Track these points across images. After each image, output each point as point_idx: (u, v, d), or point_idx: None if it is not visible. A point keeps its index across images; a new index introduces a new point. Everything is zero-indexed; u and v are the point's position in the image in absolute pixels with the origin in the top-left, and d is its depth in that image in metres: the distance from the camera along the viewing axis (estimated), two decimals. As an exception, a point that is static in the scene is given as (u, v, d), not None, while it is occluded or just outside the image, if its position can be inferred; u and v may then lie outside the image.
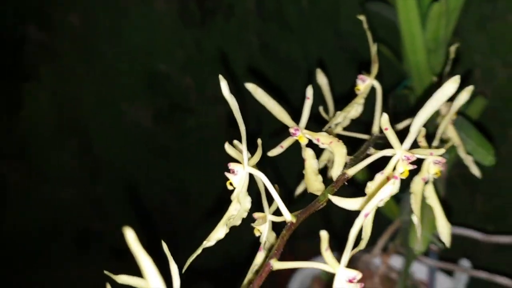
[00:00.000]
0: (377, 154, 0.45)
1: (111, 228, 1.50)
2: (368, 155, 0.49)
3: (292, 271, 1.04)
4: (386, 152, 0.45)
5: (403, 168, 0.44)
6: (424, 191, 0.50)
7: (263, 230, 0.46)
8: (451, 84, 0.42)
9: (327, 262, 0.37)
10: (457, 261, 0.97)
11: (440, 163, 0.49)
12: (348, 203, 0.44)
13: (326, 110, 0.62)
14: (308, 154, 0.50)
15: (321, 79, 0.61)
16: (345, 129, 0.60)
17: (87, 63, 1.37)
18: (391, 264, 0.96)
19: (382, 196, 0.35)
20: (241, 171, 0.41)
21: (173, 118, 1.37)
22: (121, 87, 1.37)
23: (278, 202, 0.41)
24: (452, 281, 0.97)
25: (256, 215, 0.47)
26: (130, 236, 0.25)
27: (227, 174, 0.41)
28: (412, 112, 0.73)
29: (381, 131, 0.56)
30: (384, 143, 0.67)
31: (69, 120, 1.42)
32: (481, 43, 1.02)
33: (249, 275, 0.45)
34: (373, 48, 0.56)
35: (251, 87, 0.52)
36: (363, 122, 0.66)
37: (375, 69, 0.56)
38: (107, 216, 1.50)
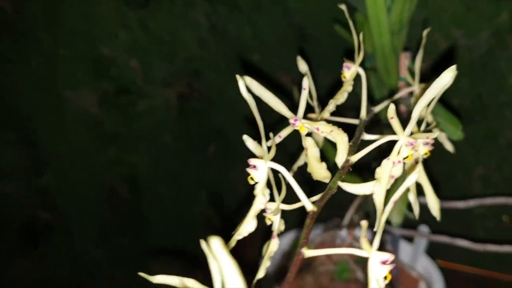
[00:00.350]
0: (382, 139, 0.48)
1: (59, 221, 1.47)
2: (366, 141, 0.52)
3: (258, 250, 1.07)
4: (390, 137, 0.48)
5: (407, 153, 0.47)
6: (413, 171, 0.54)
7: (275, 219, 0.49)
8: (448, 73, 0.45)
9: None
10: (417, 228, 1.04)
11: (429, 144, 0.53)
12: (359, 188, 0.47)
13: (311, 96, 0.65)
14: (309, 143, 0.52)
15: (302, 66, 0.63)
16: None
17: (24, 51, 1.32)
18: (356, 236, 1.01)
19: (408, 183, 0.39)
20: (263, 165, 0.43)
21: (121, 103, 1.35)
22: (63, 74, 1.33)
23: (300, 194, 0.44)
24: (413, 246, 1.04)
25: (268, 204, 0.49)
26: (216, 244, 0.27)
27: (248, 170, 0.43)
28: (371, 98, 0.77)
29: (369, 116, 0.59)
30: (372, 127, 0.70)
31: (9, 112, 1.36)
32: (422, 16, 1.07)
33: (265, 261, 0.47)
34: (359, 37, 0.59)
35: (246, 80, 0.53)
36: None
37: (360, 56, 0.59)
38: (56, 208, 1.46)
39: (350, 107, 0.67)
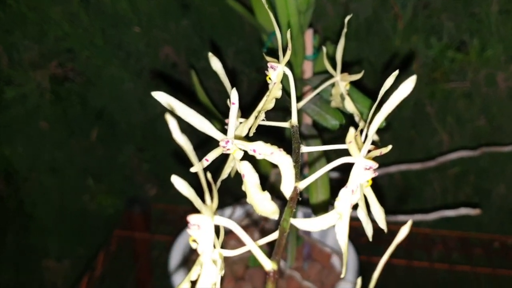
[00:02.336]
0: (332, 164, 0.40)
1: None
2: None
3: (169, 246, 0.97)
4: (345, 160, 0.40)
5: (367, 177, 0.40)
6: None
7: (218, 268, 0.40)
8: (409, 84, 0.38)
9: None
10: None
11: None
12: (317, 224, 0.39)
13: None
14: (246, 169, 0.43)
15: (215, 64, 0.53)
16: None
17: None
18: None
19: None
20: (208, 223, 0.33)
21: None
22: None
23: (256, 252, 0.35)
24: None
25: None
26: None
27: (190, 231, 0.33)
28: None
29: (300, 121, 0.51)
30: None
31: None
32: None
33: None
34: (288, 34, 0.49)
35: (160, 96, 0.43)
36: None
37: (287, 55, 0.50)
38: None
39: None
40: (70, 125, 1.21)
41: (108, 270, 1.12)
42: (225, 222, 0.34)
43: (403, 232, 0.31)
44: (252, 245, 0.35)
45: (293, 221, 0.38)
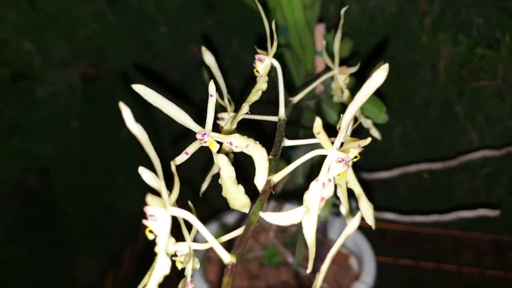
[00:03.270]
0: (307, 156, 0.38)
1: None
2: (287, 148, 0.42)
3: None
4: (318, 152, 0.38)
5: (339, 170, 0.38)
6: (345, 176, 0.45)
7: (187, 262, 0.39)
8: (381, 73, 0.36)
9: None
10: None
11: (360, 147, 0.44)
12: (286, 218, 0.37)
13: (220, 93, 0.54)
14: (222, 162, 0.42)
15: (208, 58, 0.52)
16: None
17: None
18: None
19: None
20: (163, 214, 0.32)
21: (18, 90, 1.18)
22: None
23: (214, 245, 0.33)
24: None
25: (178, 246, 0.39)
26: None
27: (145, 222, 0.32)
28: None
29: (288, 110, 0.49)
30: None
31: None
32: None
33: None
34: (272, 24, 0.48)
35: (139, 88, 0.42)
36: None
37: (274, 46, 0.49)
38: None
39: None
40: (100, 123, 1.23)
41: (134, 268, 1.13)
42: (182, 213, 0.33)
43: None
44: (210, 238, 0.33)
45: (262, 214, 0.37)
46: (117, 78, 1.18)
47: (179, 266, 0.39)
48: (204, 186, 0.53)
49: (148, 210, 0.32)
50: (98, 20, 1.10)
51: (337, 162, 0.37)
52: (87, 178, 1.28)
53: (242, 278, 0.87)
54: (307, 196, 0.37)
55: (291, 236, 0.92)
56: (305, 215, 0.36)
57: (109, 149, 1.26)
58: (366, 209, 0.46)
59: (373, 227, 0.46)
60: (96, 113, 1.22)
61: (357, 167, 1.10)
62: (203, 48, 0.52)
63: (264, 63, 0.49)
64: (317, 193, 0.37)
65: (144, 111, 0.86)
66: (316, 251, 0.90)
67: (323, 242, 0.90)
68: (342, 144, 0.40)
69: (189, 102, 1.12)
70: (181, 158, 0.44)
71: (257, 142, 0.41)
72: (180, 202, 0.38)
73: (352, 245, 0.94)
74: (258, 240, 0.93)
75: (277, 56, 0.76)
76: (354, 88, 0.63)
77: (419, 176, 1.17)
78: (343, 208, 0.43)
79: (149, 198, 0.30)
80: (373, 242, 1.03)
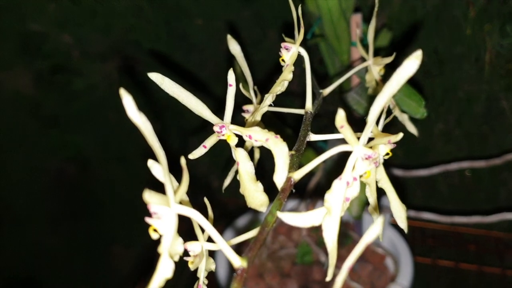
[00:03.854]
0: (330, 151, 0.35)
1: (6, 211, 1.32)
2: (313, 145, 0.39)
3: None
4: (342, 148, 0.35)
5: (365, 169, 0.34)
6: (375, 174, 0.41)
7: (201, 264, 0.35)
8: (413, 61, 0.32)
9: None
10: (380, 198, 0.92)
11: (391, 143, 0.40)
12: (305, 219, 0.34)
13: (245, 84, 0.51)
14: (240, 156, 0.39)
15: (234, 47, 0.49)
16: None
17: None
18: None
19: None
20: (168, 212, 0.29)
21: (57, 82, 1.18)
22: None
23: (223, 246, 0.30)
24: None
25: (190, 245, 0.36)
26: None
27: (148, 220, 0.29)
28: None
29: (317, 103, 0.45)
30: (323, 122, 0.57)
31: None
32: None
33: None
34: (298, 10, 0.44)
35: (155, 77, 0.39)
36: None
37: (301, 34, 0.45)
38: (1, 198, 1.31)
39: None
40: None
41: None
42: (188, 212, 0.30)
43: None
44: (218, 239, 0.30)
45: (279, 214, 0.33)
46: (153, 71, 1.16)
47: (191, 267, 0.36)
48: (227, 182, 0.50)
49: (151, 207, 0.29)
50: (135, 13, 1.09)
51: (363, 160, 0.33)
52: (124, 170, 1.27)
53: (274, 275, 0.83)
54: (328, 196, 0.33)
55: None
56: (325, 217, 0.33)
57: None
58: (398, 211, 0.42)
59: (405, 230, 0.42)
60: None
61: (395, 164, 1.05)
62: (229, 37, 0.49)
63: (290, 52, 0.45)
64: (339, 193, 0.33)
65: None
66: (351, 249, 0.86)
67: (357, 242, 0.85)
68: (371, 139, 0.37)
69: (223, 96, 1.09)
70: (199, 152, 0.41)
71: (278, 136, 0.37)
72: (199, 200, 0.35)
73: (389, 245, 0.89)
74: (290, 237, 0.89)
75: (312, 46, 0.72)
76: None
77: (462, 175, 1.11)
78: (372, 209, 0.39)
79: (147, 194, 0.27)
80: (411, 241, 0.98)
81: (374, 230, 0.26)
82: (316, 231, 0.88)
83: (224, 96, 0.39)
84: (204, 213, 0.37)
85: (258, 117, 0.45)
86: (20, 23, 1.11)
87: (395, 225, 0.93)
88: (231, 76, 0.39)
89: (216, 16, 1.08)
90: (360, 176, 0.34)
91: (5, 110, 1.21)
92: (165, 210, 0.29)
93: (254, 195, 0.37)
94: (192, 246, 0.36)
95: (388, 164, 1.03)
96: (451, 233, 1.12)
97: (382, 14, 1.00)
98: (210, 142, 0.41)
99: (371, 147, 0.34)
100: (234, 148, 0.39)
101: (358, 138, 0.34)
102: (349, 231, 0.86)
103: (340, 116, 0.31)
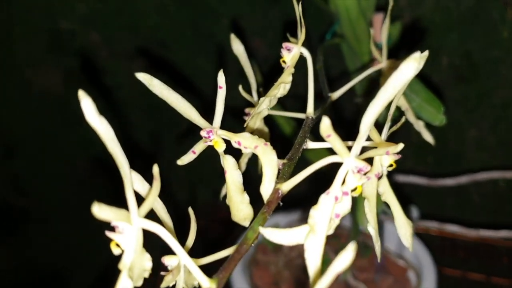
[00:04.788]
0: (318, 163, 0.31)
1: (36, 205, 1.33)
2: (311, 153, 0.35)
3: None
4: (332, 159, 0.31)
5: (356, 183, 0.30)
6: (378, 187, 0.37)
7: (174, 279, 0.33)
8: (411, 64, 0.28)
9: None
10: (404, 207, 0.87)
11: (393, 154, 0.36)
12: (287, 237, 0.30)
13: (247, 87, 0.47)
14: (228, 164, 0.36)
15: (237, 46, 0.46)
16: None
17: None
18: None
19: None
20: (129, 227, 0.26)
21: (86, 80, 1.18)
22: (21, 52, 1.16)
23: (190, 266, 0.27)
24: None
25: (167, 259, 0.33)
26: None
27: (109, 233, 0.26)
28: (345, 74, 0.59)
29: (324, 106, 0.42)
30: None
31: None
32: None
33: None
34: (298, 8, 0.41)
35: (143, 77, 0.37)
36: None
37: (302, 34, 0.41)
38: (31, 193, 1.32)
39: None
40: (162, 116, 1.21)
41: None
42: (151, 226, 0.27)
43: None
44: (185, 257, 0.27)
45: (261, 229, 0.30)
46: (179, 70, 1.14)
47: (163, 284, 0.33)
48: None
49: (113, 221, 0.26)
50: (161, 12, 1.07)
51: (354, 173, 0.30)
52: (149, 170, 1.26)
53: (290, 284, 0.80)
54: (313, 211, 0.30)
55: (346, 242, 0.84)
56: (308, 236, 0.29)
57: (171, 141, 1.23)
58: (403, 228, 0.38)
59: (410, 249, 0.38)
60: (158, 105, 1.19)
61: (422, 172, 1.00)
62: (232, 36, 0.46)
63: (292, 52, 0.42)
64: (326, 209, 0.30)
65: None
66: (371, 261, 0.82)
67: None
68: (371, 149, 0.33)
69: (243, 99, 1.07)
70: (188, 158, 0.38)
71: (268, 143, 0.34)
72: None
73: (411, 257, 0.84)
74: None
75: (332, 47, 0.68)
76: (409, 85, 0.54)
77: (495, 184, 1.04)
78: (371, 229, 0.35)
79: (97, 208, 0.25)
80: (440, 252, 0.93)
81: (345, 257, 0.22)
82: (336, 239, 0.84)
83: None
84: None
85: (258, 122, 0.42)
86: (50, 21, 1.12)
87: (420, 235, 0.88)
88: (221, 78, 0.36)
89: (243, 16, 1.05)
90: (352, 191, 0.31)
91: (35, 106, 1.21)
92: (126, 225, 0.26)
93: (239, 207, 0.34)
94: (169, 261, 0.33)
95: (412, 172, 0.98)
96: (482, 245, 1.06)
97: (413, 14, 0.95)
98: (199, 147, 0.38)
99: (367, 159, 0.31)
100: (222, 155, 0.36)
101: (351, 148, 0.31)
102: (368, 241, 0.82)
103: (325, 125, 0.27)
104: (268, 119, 0.45)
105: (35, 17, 1.12)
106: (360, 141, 0.30)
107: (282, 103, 0.78)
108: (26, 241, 1.37)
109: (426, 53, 0.30)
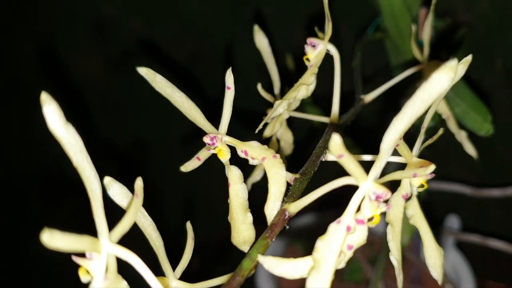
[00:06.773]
0: (331, 184, 0.26)
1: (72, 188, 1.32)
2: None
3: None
4: (346, 181, 0.26)
5: (372, 211, 0.25)
6: (406, 209, 0.32)
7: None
8: (444, 75, 0.22)
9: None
10: (445, 217, 0.81)
11: (418, 176, 0.30)
12: (289, 269, 0.26)
13: (268, 86, 0.43)
14: (233, 176, 0.31)
15: (260, 40, 0.41)
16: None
17: (20, 14, 1.13)
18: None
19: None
20: (98, 256, 0.22)
21: (127, 66, 1.15)
22: (63, 37, 1.15)
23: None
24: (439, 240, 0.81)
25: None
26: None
27: (76, 259, 0.22)
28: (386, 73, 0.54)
29: (354, 111, 0.37)
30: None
31: (8, 82, 1.20)
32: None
33: None
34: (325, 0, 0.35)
35: (145, 72, 0.32)
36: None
37: (329, 29, 0.36)
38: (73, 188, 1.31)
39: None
40: (201, 106, 1.17)
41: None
42: (122, 254, 0.23)
43: None
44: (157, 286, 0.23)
45: (259, 258, 0.26)
46: (220, 59, 1.10)
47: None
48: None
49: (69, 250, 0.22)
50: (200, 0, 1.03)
51: (371, 200, 0.25)
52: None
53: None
54: (320, 243, 0.25)
55: (378, 249, 0.78)
56: (312, 272, 0.24)
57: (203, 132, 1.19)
58: (432, 257, 0.33)
59: (439, 282, 0.33)
60: (199, 93, 1.16)
61: (469, 181, 0.92)
62: (256, 28, 0.41)
63: (317, 49, 0.37)
64: (335, 242, 0.25)
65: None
66: (406, 272, 0.76)
67: (414, 263, 0.75)
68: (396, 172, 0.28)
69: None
70: (192, 164, 0.34)
71: (277, 155, 0.29)
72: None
73: (450, 269, 0.78)
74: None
75: (376, 42, 0.62)
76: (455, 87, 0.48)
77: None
78: (393, 260, 0.30)
79: (46, 236, 0.20)
80: (484, 264, 0.86)
81: None
82: (370, 247, 0.78)
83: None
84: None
85: (277, 125, 0.37)
86: (93, 5, 1.10)
87: (461, 244, 0.81)
88: (229, 78, 0.31)
89: (285, 5, 1.00)
90: (369, 220, 0.25)
91: (76, 92, 1.20)
92: (95, 253, 0.22)
93: (240, 227, 0.29)
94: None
95: (456, 178, 0.90)
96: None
97: (468, 13, 0.88)
98: (204, 154, 0.34)
99: (383, 184, 0.25)
100: (227, 166, 0.32)
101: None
102: (404, 252, 0.76)
103: (336, 143, 0.22)
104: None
105: (77, 1, 1.10)
106: (380, 162, 0.25)
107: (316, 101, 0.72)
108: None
109: (469, 57, 0.24)
